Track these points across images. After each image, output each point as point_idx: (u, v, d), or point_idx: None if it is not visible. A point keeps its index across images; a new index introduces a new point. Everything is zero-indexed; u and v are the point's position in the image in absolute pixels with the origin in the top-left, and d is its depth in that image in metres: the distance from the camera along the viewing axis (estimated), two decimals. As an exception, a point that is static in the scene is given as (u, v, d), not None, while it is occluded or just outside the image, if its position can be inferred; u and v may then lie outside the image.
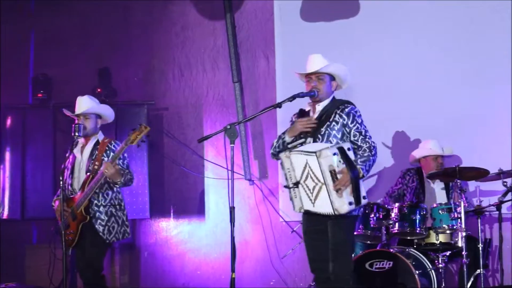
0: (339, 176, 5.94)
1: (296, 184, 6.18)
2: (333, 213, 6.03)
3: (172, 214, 10.72)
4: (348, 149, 6.03)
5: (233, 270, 6.17)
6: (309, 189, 6.12)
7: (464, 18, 9.58)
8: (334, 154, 5.92)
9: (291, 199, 6.37)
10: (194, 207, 10.67)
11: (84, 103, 7.34)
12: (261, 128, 10.35)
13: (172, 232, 10.76)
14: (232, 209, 6.17)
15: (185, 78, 10.82)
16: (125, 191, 8.95)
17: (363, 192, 6.08)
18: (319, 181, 6.01)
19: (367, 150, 6.19)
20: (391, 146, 9.66)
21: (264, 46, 10.48)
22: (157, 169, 10.60)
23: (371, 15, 9.95)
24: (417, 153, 8.96)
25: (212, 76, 10.71)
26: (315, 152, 5.94)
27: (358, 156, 6.14)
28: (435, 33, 9.66)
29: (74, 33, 11.04)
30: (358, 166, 6.02)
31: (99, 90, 10.26)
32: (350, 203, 5.96)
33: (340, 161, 5.94)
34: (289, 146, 6.36)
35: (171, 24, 10.93)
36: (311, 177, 6.05)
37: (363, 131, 6.27)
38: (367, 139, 6.25)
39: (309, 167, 6.04)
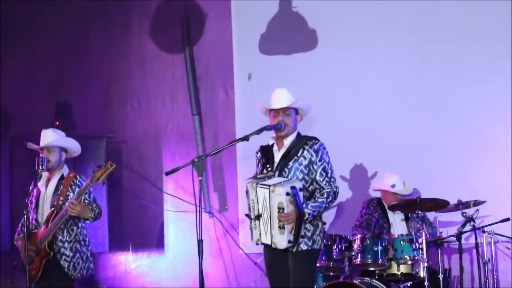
0: (287, 214, 5.96)
1: (258, 217, 6.19)
2: (276, 246, 6.08)
3: (131, 247, 10.65)
4: (300, 189, 6.05)
5: None
6: (264, 222, 6.15)
7: (411, 50, 9.69)
8: (287, 193, 5.95)
9: (250, 229, 6.38)
10: (153, 240, 10.63)
11: (48, 136, 7.27)
12: (220, 161, 10.36)
13: (131, 265, 10.70)
14: (200, 242, 6.19)
15: (144, 110, 10.82)
16: (82, 224, 8.98)
17: (302, 232, 6.07)
18: (269, 214, 6.06)
19: (325, 196, 6.20)
20: (349, 179, 9.71)
21: (223, 79, 10.51)
22: (116, 202, 10.56)
23: (329, 47, 10.03)
24: (378, 186, 9.02)
25: (171, 109, 10.71)
26: (269, 187, 6.01)
27: (312, 200, 6.17)
28: (393, 63, 9.76)
29: (30, 64, 11.00)
30: (306, 210, 6.04)
31: (57, 122, 10.15)
32: (289, 241, 6.00)
33: (289, 201, 5.97)
34: (258, 177, 6.37)
35: (129, 55, 10.94)
36: (266, 210, 6.09)
37: (329, 171, 6.29)
38: (331, 183, 6.26)
39: (265, 200, 6.09)
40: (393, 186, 8.84)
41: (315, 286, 8.07)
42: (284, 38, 10.24)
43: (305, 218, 6.06)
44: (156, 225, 10.61)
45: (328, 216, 9.41)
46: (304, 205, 6.03)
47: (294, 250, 6.15)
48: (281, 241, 6.02)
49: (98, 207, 7.14)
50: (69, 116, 10.41)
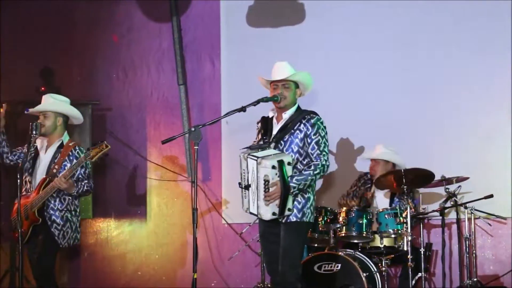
0: (271, 188, 6.08)
1: (247, 187, 6.28)
2: (261, 217, 6.22)
3: (113, 214, 10.67)
4: (288, 163, 6.12)
5: (194, 271, 6.23)
6: (253, 192, 6.24)
7: (404, 26, 9.76)
8: (273, 167, 6.04)
9: (242, 197, 6.45)
10: (135, 208, 10.63)
11: (45, 101, 7.26)
12: (205, 130, 10.35)
13: (113, 232, 10.72)
14: (194, 211, 6.24)
15: (129, 79, 10.77)
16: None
17: (289, 205, 6.15)
18: (256, 185, 6.15)
19: (312, 168, 6.26)
20: (335, 153, 9.77)
21: (210, 50, 10.48)
22: (100, 171, 10.48)
23: (316, 22, 10.05)
24: (370, 155, 9.11)
25: (156, 78, 10.68)
26: (257, 159, 6.09)
27: (298, 173, 6.22)
28: (379, 40, 9.81)
29: (17, 33, 10.88)
30: (291, 184, 6.10)
31: (42, 88, 10.13)
32: (273, 213, 6.11)
33: (276, 174, 6.06)
34: (252, 148, 6.42)
35: (116, 25, 10.88)
36: (254, 181, 6.18)
37: (322, 145, 6.36)
38: (321, 156, 6.32)
39: (253, 171, 6.16)
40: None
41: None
42: (272, 11, 10.23)
43: (291, 191, 6.12)
44: (139, 193, 10.61)
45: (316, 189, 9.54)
46: (289, 179, 6.09)
47: (284, 221, 6.24)
48: (266, 212, 6.15)
49: (88, 185, 7.19)
50: (53, 83, 10.34)
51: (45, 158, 7.18)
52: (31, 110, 7.30)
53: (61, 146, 7.20)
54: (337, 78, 9.85)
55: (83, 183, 7.10)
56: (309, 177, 6.25)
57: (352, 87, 9.84)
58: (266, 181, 6.07)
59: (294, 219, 6.26)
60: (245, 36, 10.31)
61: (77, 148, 7.20)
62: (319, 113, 6.35)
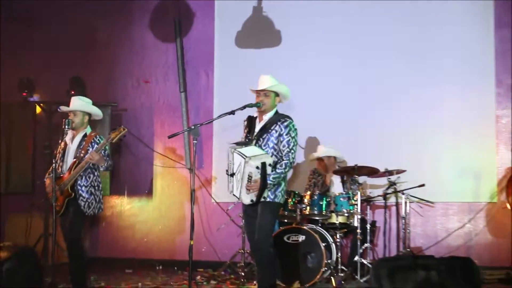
0: (253, 182, 6.17)
1: (232, 175, 6.37)
2: (241, 201, 6.38)
3: (126, 192, 10.70)
4: (270, 164, 6.20)
5: (191, 238, 6.43)
6: (237, 180, 6.31)
7: (357, 44, 9.83)
8: (257, 167, 6.13)
9: (228, 181, 6.50)
10: (144, 188, 10.67)
11: (74, 102, 7.29)
12: (200, 128, 10.36)
13: (125, 207, 10.77)
14: (192, 191, 6.34)
15: (141, 87, 10.81)
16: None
17: (264, 195, 6.25)
18: (241, 176, 6.24)
19: (283, 166, 6.31)
20: (304, 148, 9.84)
21: (205, 65, 10.51)
22: (117, 157, 10.55)
23: (289, 46, 10.13)
24: (319, 154, 9.17)
25: (163, 86, 10.71)
26: (245, 158, 6.17)
27: (274, 172, 6.24)
28: (338, 58, 9.92)
29: (52, 47, 10.90)
30: (268, 182, 6.18)
31: (72, 92, 10.15)
32: (252, 201, 6.24)
33: (258, 172, 6.14)
34: (238, 143, 6.49)
35: (132, 43, 10.92)
36: (240, 172, 6.26)
37: (291, 145, 6.36)
38: (289, 154, 6.34)
39: (240, 165, 6.24)
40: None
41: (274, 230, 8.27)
42: (255, 36, 10.29)
43: (268, 186, 6.22)
44: (147, 176, 10.65)
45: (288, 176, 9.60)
46: (267, 177, 6.17)
47: (261, 201, 6.31)
48: (246, 198, 6.29)
49: (110, 161, 7.21)
50: (83, 88, 10.35)
51: (73, 146, 7.20)
52: (63, 108, 7.32)
53: (85, 136, 7.22)
54: (307, 88, 9.86)
55: (107, 159, 7.15)
56: (282, 175, 6.32)
57: (317, 95, 9.90)
58: (250, 177, 6.17)
59: (269, 200, 6.33)
60: (233, 55, 10.36)
61: (97, 136, 7.23)
62: (293, 116, 6.42)
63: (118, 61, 10.94)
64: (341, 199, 8.26)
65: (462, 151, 9.34)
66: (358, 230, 8.19)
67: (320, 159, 9.13)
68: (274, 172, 6.25)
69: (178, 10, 10.53)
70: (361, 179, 9.13)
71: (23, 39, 10.90)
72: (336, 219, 8.27)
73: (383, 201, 8.73)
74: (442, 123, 9.44)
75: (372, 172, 8.54)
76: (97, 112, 7.38)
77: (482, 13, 9.42)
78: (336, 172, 8.82)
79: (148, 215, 10.65)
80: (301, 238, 8.02)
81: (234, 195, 6.44)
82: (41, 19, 11.05)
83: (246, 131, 6.62)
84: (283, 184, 6.46)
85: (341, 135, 9.54)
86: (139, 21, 10.89)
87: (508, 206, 7.18)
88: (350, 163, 8.91)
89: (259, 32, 10.27)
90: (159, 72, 10.76)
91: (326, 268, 7.93)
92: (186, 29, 10.60)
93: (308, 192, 8.35)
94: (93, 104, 7.42)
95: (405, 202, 8.75)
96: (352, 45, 9.86)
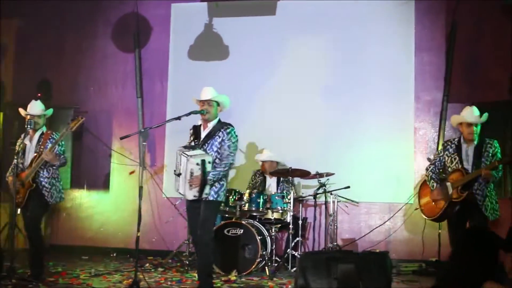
0: (194, 177, 6.14)
1: (178, 175, 6.32)
2: (186, 197, 6.30)
3: (85, 186, 10.53)
4: (209, 162, 6.17)
5: (138, 230, 6.60)
6: (182, 179, 6.28)
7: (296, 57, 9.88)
8: (197, 164, 6.11)
9: (175, 181, 6.46)
10: (101, 183, 10.52)
11: (37, 106, 7.23)
12: (153, 131, 10.35)
13: (84, 199, 10.61)
14: (140, 188, 6.31)
15: (102, 92, 10.67)
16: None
17: (206, 191, 6.21)
18: (185, 174, 6.20)
19: (223, 166, 6.29)
20: (244, 151, 9.85)
21: (160, 74, 10.43)
22: (78, 155, 10.44)
23: (236, 58, 10.14)
24: (261, 157, 9.20)
25: (121, 92, 10.59)
26: (187, 157, 6.15)
27: (213, 170, 6.22)
28: (277, 70, 9.93)
29: (22, 54, 10.76)
30: (208, 178, 6.15)
31: (39, 94, 9.92)
32: (194, 196, 6.19)
33: (199, 169, 6.11)
34: (186, 147, 6.46)
35: (95, 53, 10.78)
36: (184, 171, 6.23)
37: (232, 148, 6.37)
38: (229, 156, 6.35)
39: (184, 164, 6.20)
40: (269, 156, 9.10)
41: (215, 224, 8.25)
42: (205, 50, 10.25)
43: (208, 182, 6.18)
44: (104, 172, 10.51)
45: (230, 176, 9.55)
46: (208, 173, 6.14)
47: (204, 199, 6.27)
48: (189, 194, 6.23)
49: (64, 158, 7.19)
50: (49, 91, 10.22)
51: (32, 144, 7.15)
52: (23, 112, 7.28)
53: (42, 134, 7.19)
54: (250, 98, 9.91)
55: (61, 157, 7.07)
56: (221, 173, 6.30)
57: (259, 104, 9.92)
58: (192, 173, 6.14)
59: (211, 198, 6.30)
60: (186, 66, 10.30)
61: (53, 133, 7.19)
62: (234, 123, 6.35)
63: (82, 68, 10.78)
64: (276, 197, 8.29)
65: (384, 158, 9.44)
66: (290, 226, 8.20)
67: (263, 162, 9.14)
68: (214, 170, 6.24)
69: (137, 24, 10.44)
70: (296, 180, 9.22)
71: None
72: (272, 215, 8.30)
73: (314, 200, 8.77)
74: (368, 133, 9.53)
75: (304, 174, 8.58)
76: (50, 113, 7.38)
77: (404, 38, 9.56)
78: (272, 174, 8.84)
79: (104, 207, 10.50)
80: (240, 231, 8.02)
81: (180, 193, 6.40)
82: (12, 26, 10.86)
83: (192, 138, 6.60)
84: (224, 184, 6.44)
85: (279, 141, 9.56)
86: (103, 32, 10.76)
87: (419, 208, 7.29)
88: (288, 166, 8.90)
89: (209, 47, 10.23)
90: (118, 79, 10.64)
91: (261, 259, 7.94)
92: (144, 42, 10.53)
93: (247, 191, 8.34)
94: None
95: (333, 202, 8.81)
96: (289, 61, 9.92)
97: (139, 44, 10.40)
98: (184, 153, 6.23)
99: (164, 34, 10.50)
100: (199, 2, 10.29)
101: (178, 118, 6.44)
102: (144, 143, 6.36)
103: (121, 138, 6.55)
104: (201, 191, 6.18)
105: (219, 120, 6.57)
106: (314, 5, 9.88)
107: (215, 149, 6.36)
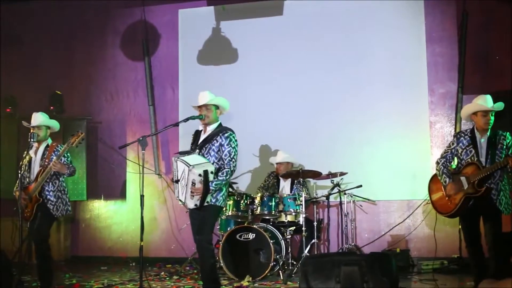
0: (197, 188, 5.96)
1: (176, 181, 6.18)
2: (186, 206, 6.15)
3: (102, 197, 10.50)
4: (211, 172, 5.99)
5: (141, 240, 6.28)
6: (182, 186, 6.11)
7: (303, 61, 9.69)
8: (200, 174, 5.93)
9: (174, 187, 6.34)
10: (118, 192, 10.46)
11: (38, 118, 7.13)
12: (167, 138, 10.25)
13: (102, 210, 10.56)
14: (142, 197, 6.17)
15: (115, 101, 10.62)
16: (69, 180, 8.79)
17: (208, 198, 6.04)
18: (186, 183, 6.02)
19: (225, 174, 6.10)
20: (258, 155, 9.69)
21: (171, 81, 10.34)
22: (92, 165, 10.37)
23: (245, 62, 10.00)
24: (276, 159, 9.02)
25: (133, 100, 10.52)
26: (189, 166, 5.96)
27: (216, 178, 6.05)
28: (287, 76, 9.77)
29: (30, 65, 10.77)
30: (210, 188, 5.97)
31: (51, 107, 9.99)
32: (195, 205, 6.03)
33: (201, 180, 5.94)
34: (181, 152, 6.30)
35: (105, 62, 10.73)
36: (184, 179, 6.05)
37: (232, 154, 6.16)
38: (231, 162, 6.15)
39: (184, 172, 6.04)
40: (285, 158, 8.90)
41: (228, 229, 8.09)
42: (215, 54, 10.12)
43: (210, 192, 6.01)
44: (120, 181, 10.43)
45: (244, 181, 9.59)
46: (210, 183, 5.97)
47: (205, 204, 6.11)
48: (190, 204, 6.08)
49: (73, 167, 7.06)
50: (61, 103, 10.18)
51: (37, 157, 7.06)
52: (25, 124, 7.18)
53: (47, 146, 7.08)
54: (261, 100, 9.81)
55: (69, 166, 6.96)
56: (223, 181, 6.13)
57: (271, 107, 9.79)
58: (193, 183, 5.97)
59: (212, 203, 6.13)
60: (195, 71, 10.17)
61: (58, 146, 7.08)
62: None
63: (93, 79, 10.74)
64: (288, 199, 8.10)
65: (400, 154, 9.22)
66: (303, 228, 7.99)
67: (278, 164, 8.95)
68: (216, 179, 6.06)
69: (145, 32, 10.35)
70: (312, 181, 9.02)
71: (6, 59, 10.68)
72: (285, 218, 8.10)
73: (331, 200, 8.58)
74: (382, 129, 9.32)
75: (316, 175, 8.39)
76: (56, 125, 7.26)
77: (415, 30, 9.32)
78: (283, 176, 8.65)
79: (122, 216, 10.42)
80: (252, 236, 7.84)
81: (179, 200, 6.23)
82: (23, 40, 10.87)
83: (191, 142, 6.43)
84: (224, 189, 6.26)
85: (293, 142, 9.42)
86: (112, 42, 10.72)
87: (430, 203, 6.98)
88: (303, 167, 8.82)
89: (218, 51, 10.10)
90: (129, 88, 10.58)
91: (275, 263, 7.73)
92: (153, 49, 10.45)
93: (259, 194, 8.16)
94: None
95: (348, 201, 8.61)
96: (300, 60, 9.75)
97: (148, 52, 10.32)
98: (183, 161, 6.05)
99: (172, 40, 10.41)
100: (205, 6, 10.16)
101: (177, 124, 6.34)
102: (143, 151, 6.19)
103: (120, 148, 6.43)
104: (202, 200, 6.01)
105: (220, 124, 6.37)
106: (322, 2, 9.69)
107: (212, 153, 6.18)
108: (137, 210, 9.96)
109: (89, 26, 10.78)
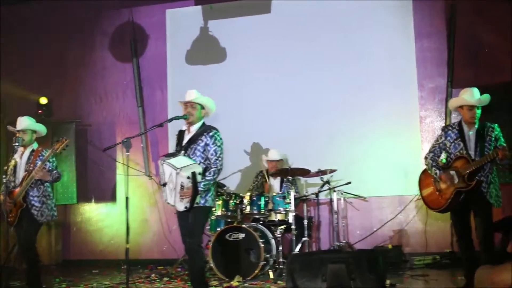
0: (185, 189, 5.89)
1: (164, 184, 6.10)
2: (176, 208, 6.07)
3: (93, 200, 10.41)
4: (199, 173, 5.92)
5: (127, 242, 6.35)
6: (170, 189, 6.03)
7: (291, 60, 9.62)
8: (188, 177, 5.86)
9: (162, 190, 6.28)
10: (109, 195, 10.36)
11: (23, 122, 7.03)
12: (156, 139, 10.17)
13: (93, 213, 10.47)
14: (127, 199, 6.11)
15: (104, 103, 10.55)
16: (58, 184, 8.72)
17: (197, 200, 5.96)
18: (174, 186, 5.95)
19: (212, 174, 6.01)
20: (249, 152, 9.62)
21: (160, 82, 10.27)
22: (82, 168, 10.28)
23: (233, 61, 9.93)
24: (267, 157, 8.95)
25: (122, 102, 10.45)
26: (176, 169, 5.88)
27: (204, 179, 5.97)
28: (276, 75, 9.71)
29: (23, 70, 10.65)
30: (199, 189, 5.90)
31: (40, 111, 9.91)
32: (186, 208, 5.94)
33: (190, 182, 5.86)
34: (167, 155, 6.21)
35: (94, 64, 10.66)
36: (172, 182, 5.97)
37: (218, 153, 6.07)
38: (217, 161, 6.05)
39: (171, 175, 5.96)
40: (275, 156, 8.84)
41: (218, 229, 8.00)
42: (203, 54, 10.05)
43: (199, 193, 5.94)
44: (111, 184, 10.34)
45: (234, 180, 9.42)
46: (198, 184, 5.89)
47: (194, 205, 6.02)
48: (180, 206, 5.99)
49: (57, 173, 6.95)
50: (49, 107, 10.10)
51: (22, 162, 6.96)
52: (10, 128, 7.07)
53: (32, 151, 6.97)
54: (249, 99, 9.73)
55: (53, 172, 6.85)
56: (211, 181, 6.06)
57: (260, 106, 9.71)
58: (182, 186, 5.90)
59: (201, 204, 6.06)
60: (184, 71, 10.10)
61: (44, 150, 6.96)
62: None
63: (82, 81, 10.66)
64: (278, 198, 8.02)
65: (391, 150, 9.15)
66: (293, 226, 7.91)
67: (270, 161, 8.88)
68: (204, 179, 5.98)
69: (133, 33, 10.27)
70: (303, 179, 8.93)
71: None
72: (275, 217, 8.03)
73: (322, 198, 8.49)
74: (373, 125, 9.27)
75: (304, 172, 8.31)
76: (42, 129, 7.17)
77: (403, 26, 9.26)
78: (272, 174, 8.57)
79: (113, 219, 10.32)
80: (241, 235, 7.75)
81: (168, 203, 6.14)
82: (12, 45, 10.77)
83: (176, 143, 6.34)
84: (212, 189, 6.18)
85: (284, 140, 9.34)
86: (100, 44, 10.65)
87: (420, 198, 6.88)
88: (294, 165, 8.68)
89: (206, 50, 10.03)
90: (118, 90, 10.51)
91: (265, 262, 7.66)
92: (141, 50, 10.40)
93: (248, 193, 8.07)
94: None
95: (338, 199, 8.55)
96: (288, 59, 9.69)
97: (137, 53, 10.26)
98: (170, 164, 5.97)
99: (160, 40, 10.34)
100: (193, 6, 10.09)
101: (161, 125, 6.26)
102: (128, 153, 6.10)
103: (104, 150, 6.35)
104: (192, 202, 5.93)
105: (203, 124, 6.28)
106: (310, 2, 9.63)
107: (198, 153, 6.09)
108: (129, 212, 10.05)
109: (77, 28, 10.70)
